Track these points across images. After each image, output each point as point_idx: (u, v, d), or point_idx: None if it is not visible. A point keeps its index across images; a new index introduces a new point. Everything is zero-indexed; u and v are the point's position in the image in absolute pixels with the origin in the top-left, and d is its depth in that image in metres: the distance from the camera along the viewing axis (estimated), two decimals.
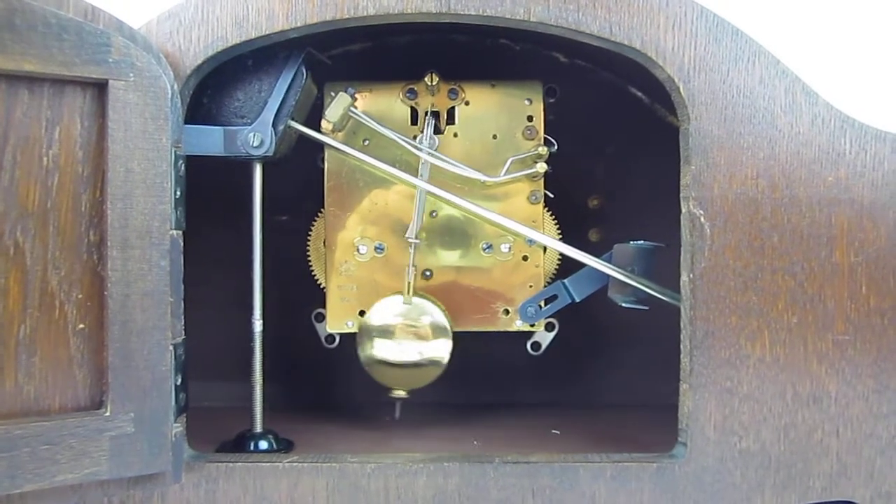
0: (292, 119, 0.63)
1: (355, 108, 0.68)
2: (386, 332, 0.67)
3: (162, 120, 0.55)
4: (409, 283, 0.67)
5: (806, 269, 0.58)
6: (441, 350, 0.67)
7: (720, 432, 0.58)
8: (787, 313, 0.58)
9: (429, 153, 0.68)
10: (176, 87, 0.56)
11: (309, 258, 0.72)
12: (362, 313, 0.69)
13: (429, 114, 0.69)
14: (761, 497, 0.59)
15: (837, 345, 0.58)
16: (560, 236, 0.71)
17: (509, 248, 0.70)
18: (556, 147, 0.70)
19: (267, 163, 0.64)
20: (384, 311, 0.67)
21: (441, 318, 0.67)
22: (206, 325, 0.66)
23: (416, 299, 0.67)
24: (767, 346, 0.58)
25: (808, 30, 0.87)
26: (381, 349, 0.67)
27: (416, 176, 0.67)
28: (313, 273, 0.72)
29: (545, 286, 0.70)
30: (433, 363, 0.67)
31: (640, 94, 0.77)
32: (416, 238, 0.68)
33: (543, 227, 0.70)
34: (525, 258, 0.70)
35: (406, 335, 0.67)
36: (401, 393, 0.68)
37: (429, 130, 0.69)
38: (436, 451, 0.62)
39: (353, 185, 0.70)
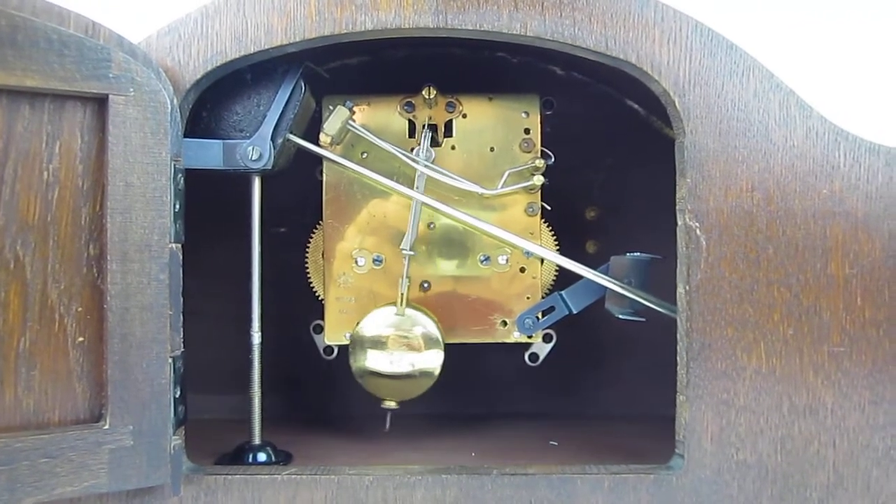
0: (291, 132, 0.64)
1: (353, 121, 0.69)
2: (378, 343, 0.67)
3: (161, 134, 0.55)
4: (402, 294, 0.67)
5: (801, 281, 0.58)
6: (433, 361, 0.67)
7: (717, 444, 0.59)
8: (783, 325, 0.58)
9: (426, 166, 0.68)
10: (175, 101, 0.56)
11: (307, 270, 0.72)
12: None
13: (426, 126, 0.70)
14: None
15: (833, 356, 0.58)
16: (557, 248, 0.71)
17: (507, 260, 0.70)
18: (553, 159, 0.70)
19: (266, 175, 0.65)
20: (376, 322, 0.67)
21: (433, 329, 0.67)
22: (205, 338, 0.67)
23: (408, 310, 0.67)
24: (763, 357, 0.58)
25: (801, 43, 0.88)
26: (373, 360, 0.67)
27: (413, 188, 0.68)
28: (312, 285, 0.72)
29: (542, 298, 0.70)
30: (425, 374, 0.67)
31: (636, 106, 0.77)
32: (411, 250, 0.68)
33: (541, 238, 0.70)
34: (522, 270, 0.71)
35: (398, 346, 0.67)
36: (391, 404, 0.68)
37: (426, 143, 0.69)
38: (434, 463, 0.62)
39: (352, 198, 0.70)
